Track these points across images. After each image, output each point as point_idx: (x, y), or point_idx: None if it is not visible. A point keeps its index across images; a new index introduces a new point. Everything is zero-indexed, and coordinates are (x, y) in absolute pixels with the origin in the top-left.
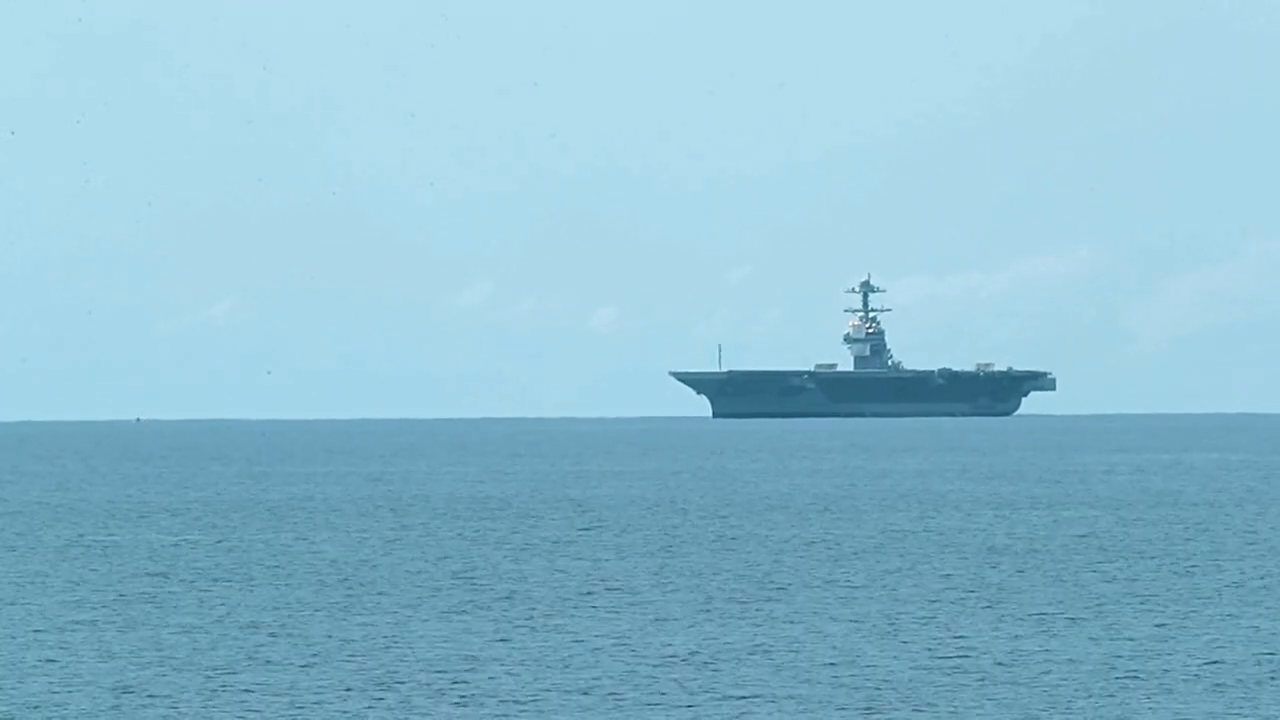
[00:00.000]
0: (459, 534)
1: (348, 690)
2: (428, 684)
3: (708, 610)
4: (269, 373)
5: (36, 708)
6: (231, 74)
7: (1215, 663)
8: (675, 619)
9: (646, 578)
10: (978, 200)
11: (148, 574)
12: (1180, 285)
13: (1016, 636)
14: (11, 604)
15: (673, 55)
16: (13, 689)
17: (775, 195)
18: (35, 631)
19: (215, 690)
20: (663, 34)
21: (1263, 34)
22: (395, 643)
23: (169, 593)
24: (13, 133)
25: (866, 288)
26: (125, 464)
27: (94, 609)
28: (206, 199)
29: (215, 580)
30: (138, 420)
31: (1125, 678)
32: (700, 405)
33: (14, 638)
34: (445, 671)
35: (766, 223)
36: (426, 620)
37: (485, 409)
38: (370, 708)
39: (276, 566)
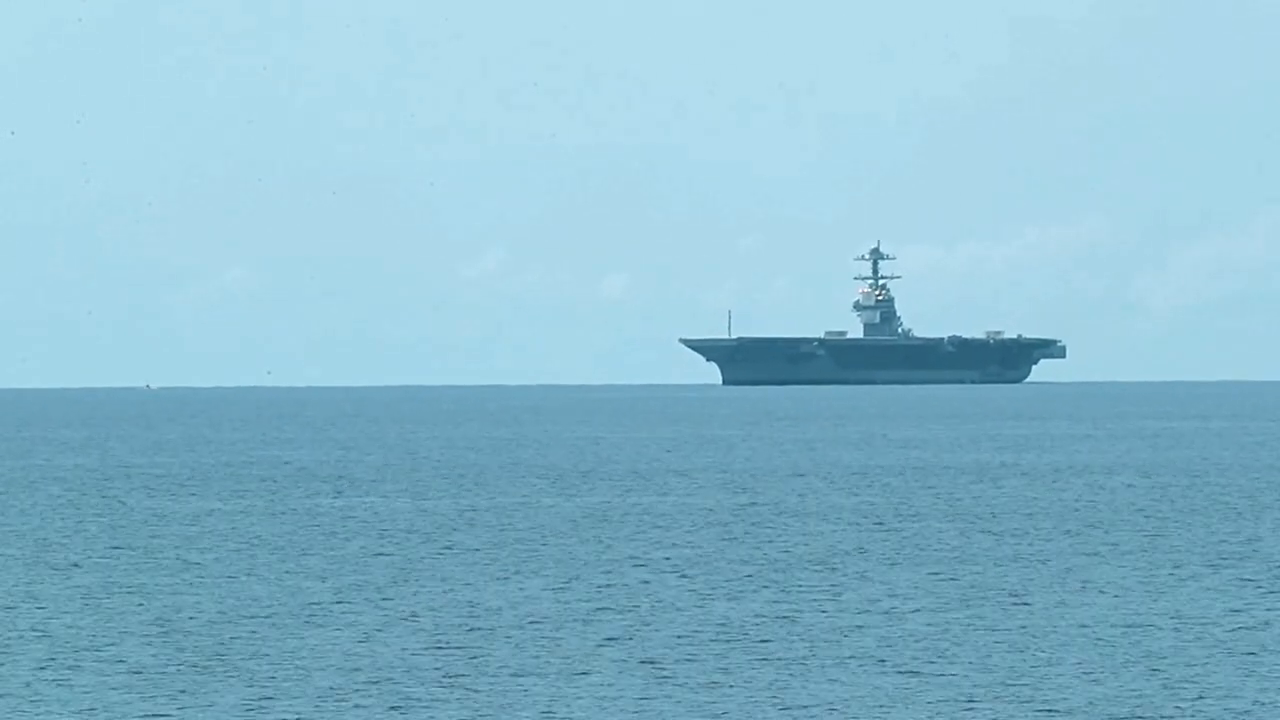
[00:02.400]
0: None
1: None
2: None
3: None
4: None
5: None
6: (245, 46)
7: None
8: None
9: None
10: (988, 168)
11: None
12: (1190, 254)
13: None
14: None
15: (686, 25)
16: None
17: (785, 163)
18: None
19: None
20: (676, 3)
21: (1276, 3)
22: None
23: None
24: (13, 133)
25: (876, 255)
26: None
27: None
28: (219, 167)
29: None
30: (148, 387)
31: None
32: (710, 372)
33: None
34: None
35: (777, 190)
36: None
37: (495, 376)
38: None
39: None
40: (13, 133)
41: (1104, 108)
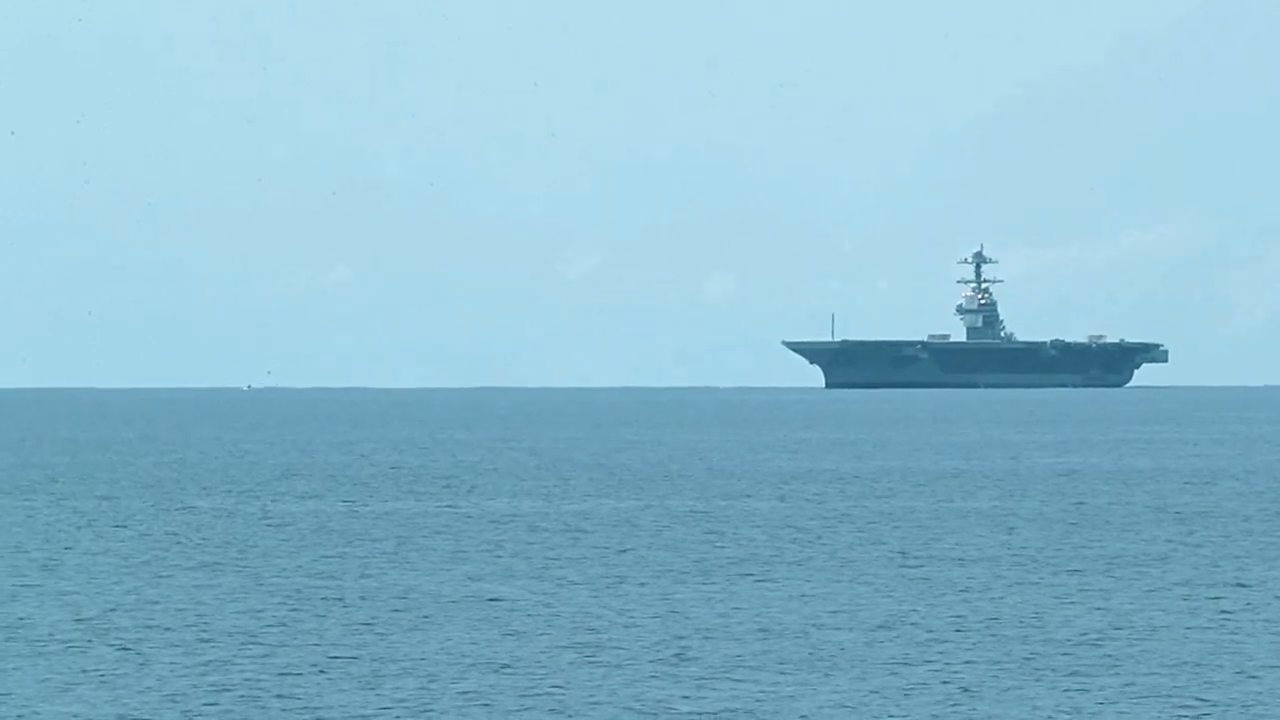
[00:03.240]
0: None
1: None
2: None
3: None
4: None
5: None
6: (342, 54)
7: None
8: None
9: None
10: (1089, 171)
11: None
12: None
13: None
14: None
15: (789, 26)
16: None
17: (889, 165)
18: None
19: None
20: (779, 4)
21: None
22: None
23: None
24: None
25: (979, 259)
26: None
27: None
28: (325, 169)
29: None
30: (248, 388)
31: None
32: (813, 375)
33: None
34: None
35: (880, 193)
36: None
37: (596, 379)
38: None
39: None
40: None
41: (1203, 108)
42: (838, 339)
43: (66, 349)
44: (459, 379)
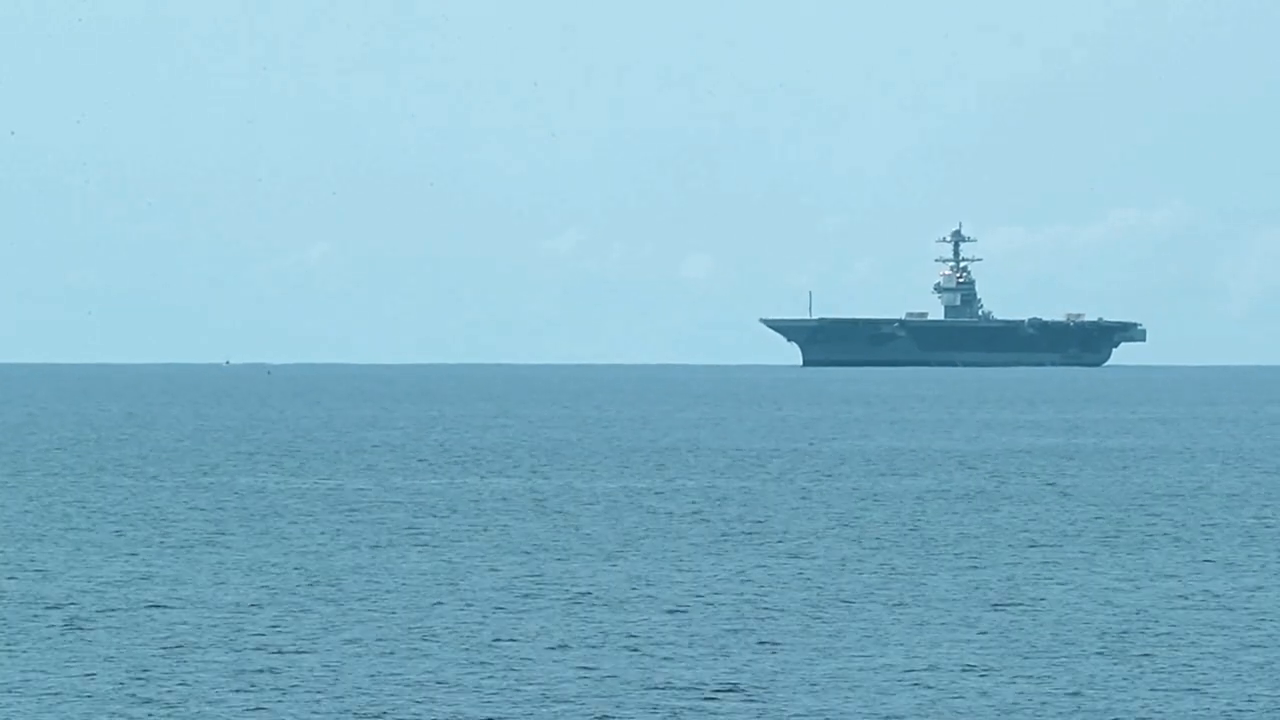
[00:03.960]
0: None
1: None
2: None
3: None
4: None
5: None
6: (337, 35)
7: None
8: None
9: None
10: (1070, 151)
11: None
12: (1272, 238)
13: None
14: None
15: (770, 9)
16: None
17: (868, 145)
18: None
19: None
20: None
21: None
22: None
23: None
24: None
25: (958, 237)
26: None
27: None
28: (304, 149)
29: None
30: (227, 363)
31: None
32: (791, 353)
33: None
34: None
35: (859, 172)
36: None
37: (575, 355)
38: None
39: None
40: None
41: (1188, 91)
42: (816, 317)
43: (46, 324)
44: (442, 355)
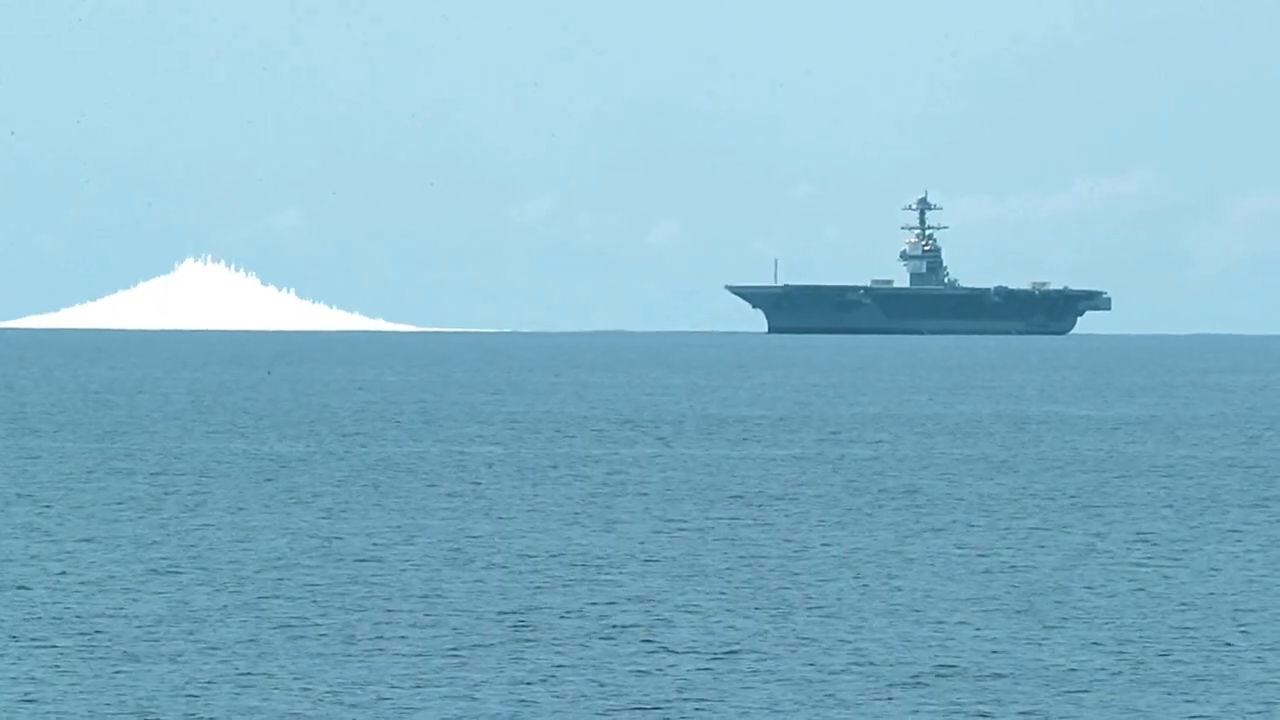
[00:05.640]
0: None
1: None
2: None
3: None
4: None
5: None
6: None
7: None
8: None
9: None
10: (1037, 120)
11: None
12: (1239, 208)
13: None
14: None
15: None
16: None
17: (835, 113)
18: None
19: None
20: None
21: None
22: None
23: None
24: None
25: (924, 205)
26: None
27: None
28: (271, 114)
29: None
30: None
31: None
32: (756, 320)
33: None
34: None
35: (826, 140)
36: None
37: (543, 323)
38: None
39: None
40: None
41: (1156, 61)
42: (781, 284)
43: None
44: (411, 322)
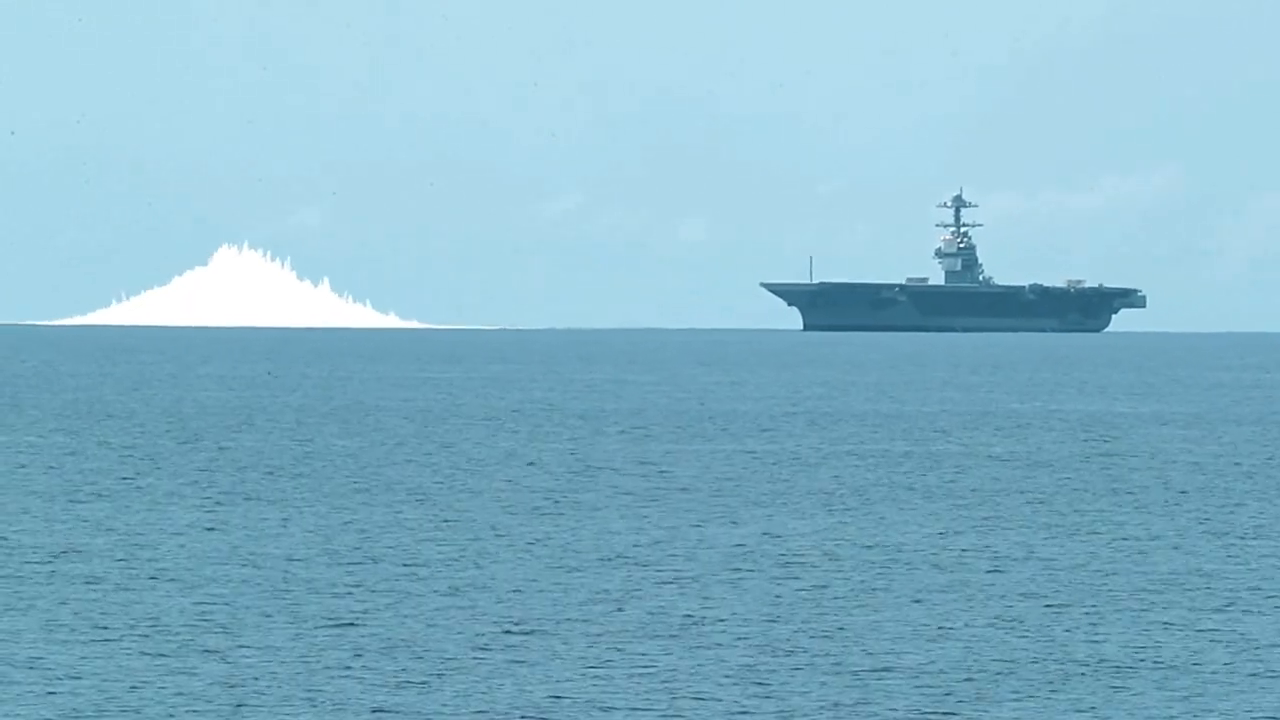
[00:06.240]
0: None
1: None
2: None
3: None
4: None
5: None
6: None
7: None
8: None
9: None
10: (1071, 117)
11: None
12: (1268, 204)
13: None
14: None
15: None
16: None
17: (870, 110)
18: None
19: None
20: None
21: None
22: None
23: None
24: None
25: (959, 202)
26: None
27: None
28: (303, 114)
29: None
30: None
31: None
32: (791, 317)
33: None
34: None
35: (860, 136)
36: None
37: (574, 320)
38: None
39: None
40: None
41: (1186, 57)
42: (816, 281)
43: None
44: (440, 320)
